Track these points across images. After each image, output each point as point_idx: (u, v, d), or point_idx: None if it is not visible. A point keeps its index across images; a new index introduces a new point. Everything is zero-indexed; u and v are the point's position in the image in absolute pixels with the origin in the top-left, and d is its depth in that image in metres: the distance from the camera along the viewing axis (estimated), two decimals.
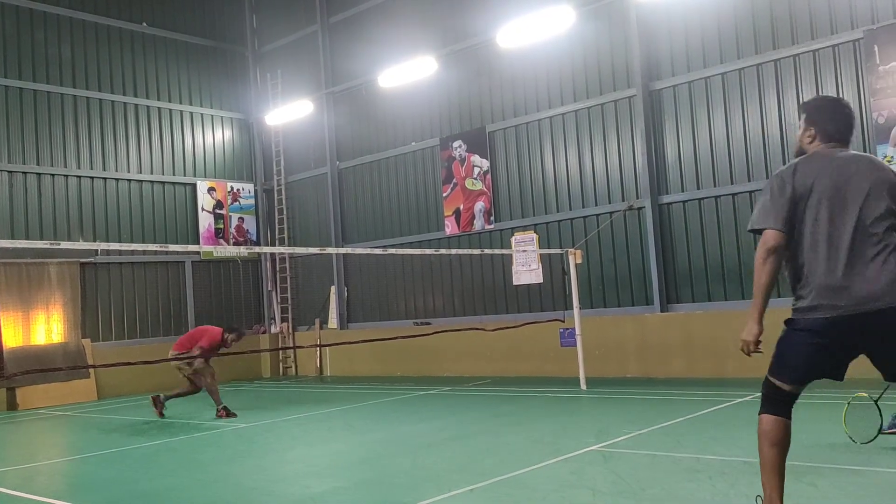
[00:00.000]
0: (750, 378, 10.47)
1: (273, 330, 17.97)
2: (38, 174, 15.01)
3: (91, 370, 14.49)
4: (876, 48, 10.40)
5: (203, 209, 17.38)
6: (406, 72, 14.93)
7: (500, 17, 13.78)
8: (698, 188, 12.07)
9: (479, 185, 14.66)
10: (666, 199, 12.37)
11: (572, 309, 11.44)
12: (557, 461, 6.24)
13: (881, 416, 5.66)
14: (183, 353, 10.87)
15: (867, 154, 4.22)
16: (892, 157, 10.29)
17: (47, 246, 6.69)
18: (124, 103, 16.41)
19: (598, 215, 13.07)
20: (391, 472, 6.42)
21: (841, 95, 10.81)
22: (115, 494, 6.30)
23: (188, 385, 11.13)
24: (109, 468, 7.53)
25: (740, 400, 8.76)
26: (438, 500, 5.26)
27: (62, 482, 7.32)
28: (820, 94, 10.93)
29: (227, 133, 18.19)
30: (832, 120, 3.86)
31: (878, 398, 5.67)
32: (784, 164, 11.34)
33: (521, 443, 7.28)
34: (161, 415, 10.93)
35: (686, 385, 10.64)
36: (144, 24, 16.92)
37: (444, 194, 15.18)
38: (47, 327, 14.61)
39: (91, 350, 14.92)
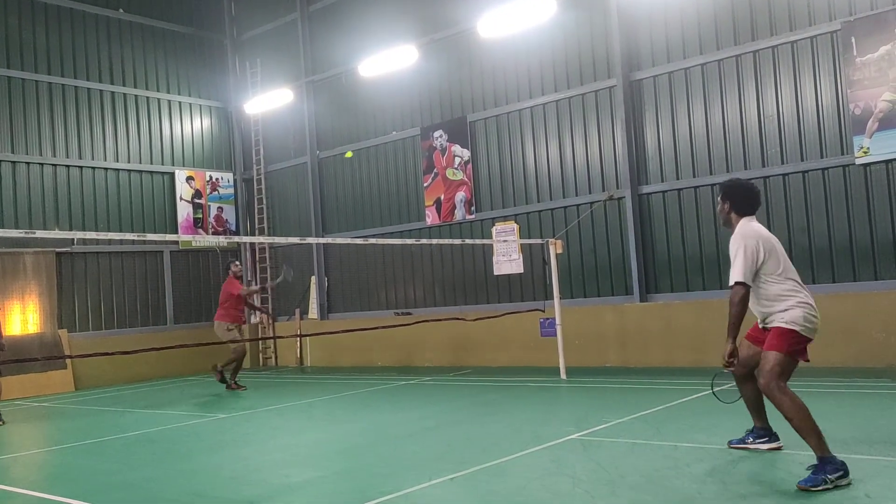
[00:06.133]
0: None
1: (253, 320, 17.87)
2: (13, 162, 14.79)
3: (68, 361, 14.35)
4: (853, 40, 10.49)
5: (181, 198, 17.23)
6: (386, 61, 14.86)
7: (480, 7, 13.74)
8: (678, 178, 12.14)
9: (459, 175, 14.64)
10: (646, 189, 12.43)
11: (552, 299, 11.48)
12: (538, 450, 6.27)
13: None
14: (224, 323, 12.30)
15: None
16: (867, 148, 10.40)
17: (22, 235, 6.60)
18: (100, 91, 16.19)
19: (578, 205, 13.11)
20: (371, 461, 6.42)
21: (818, 86, 10.93)
22: (94, 485, 6.25)
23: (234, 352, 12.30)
24: (87, 459, 7.47)
25: (719, 388, 8.82)
26: (419, 489, 5.27)
27: (39, 473, 7.25)
28: (798, 85, 11.06)
29: (206, 122, 18.02)
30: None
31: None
32: (761, 155, 11.50)
33: (502, 432, 7.30)
34: (242, 387, 12.28)
35: (665, 374, 10.72)
36: (121, 10, 16.69)
37: (425, 184, 15.15)
38: (23, 317, 14.44)
39: (68, 340, 14.77)
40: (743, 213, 5.34)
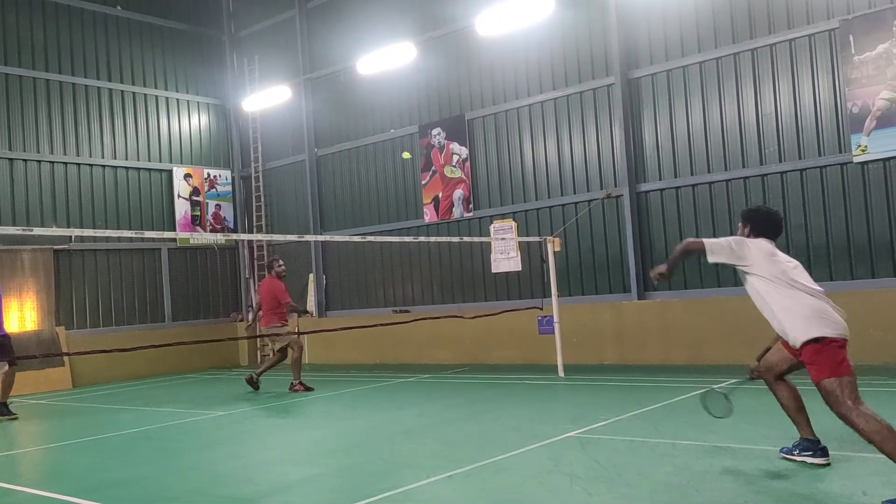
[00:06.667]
0: (725, 365, 10.60)
1: (251, 318, 17.85)
2: (10, 160, 14.77)
3: (65, 358, 14.34)
4: (851, 38, 10.50)
5: (179, 196, 17.21)
6: (385, 58, 14.84)
7: (479, 4, 13.73)
8: (676, 177, 12.14)
9: (457, 173, 14.64)
10: (644, 187, 12.44)
11: (550, 296, 11.48)
12: (535, 447, 6.28)
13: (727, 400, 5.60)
14: (275, 325, 11.65)
15: None
16: (865, 146, 10.41)
17: (20, 232, 6.59)
18: (98, 88, 16.17)
19: (576, 203, 13.11)
20: (369, 459, 6.42)
21: (816, 85, 10.94)
22: (90, 482, 6.24)
23: (277, 356, 11.95)
24: (84, 456, 7.47)
25: (716, 386, 8.84)
26: (417, 487, 5.27)
27: (36, 471, 7.25)
28: (796, 83, 11.07)
29: (204, 119, 18.00)
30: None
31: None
32: (759, 153, 11.51)
33: (500, 429, 7.31)
34: (257, 388, 11.75)
35: (662, 372, 10.74)
36: (118, 6, 16.65)
37: (423, 182, 15.14)
38: (20, 315, 14.42)
39: (65, 338, 14.75)
40: (759, 235, 5.17)
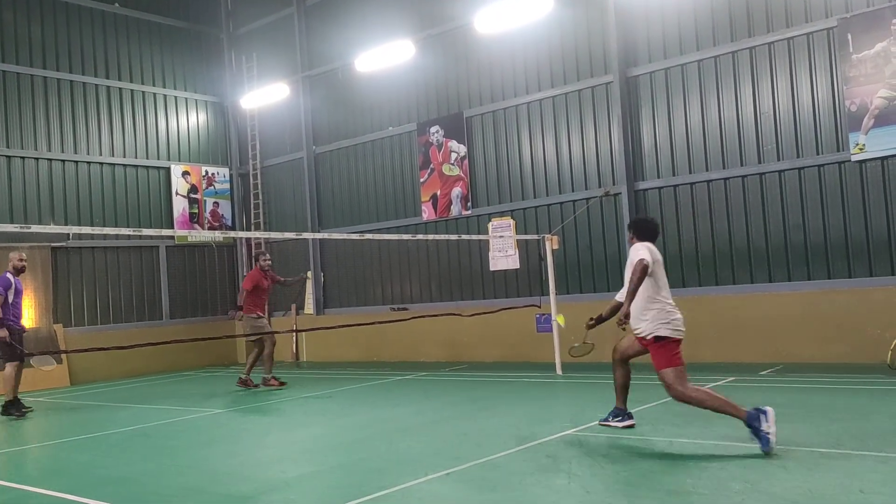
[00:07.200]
0: (723, 363, 10.62)
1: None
2: (8, 157, 14.74)
3: (63, 356, 14.32)
4: (849, 36, 10.50)
5: (177, 193, 17.19)
6: (383, 56, 14.84)
7: (477, 2, 13.72)
8: (674, 175, 12.15)
9: (456, 171, 14.63)
10: (642, 185, 12.44)
11: (548, 294, 11.48)
12: (534, 445, 6.29)
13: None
14: (252, 315, 11.60)
15: None
16: (863, 145, 10.42)
17: (17, 230, 6.59)
18: (96, 85, 16.14)
19: (574, 201, 13.11)
20: (367, 456, 6.43)
21: (814, 83, 10.95)
22: (88, 480, 6.25)
23: (256, 349, 11.82)
24: (82, 454, 7.47)
25: (714, 384, 8.85)
26: (415, 485, 5.27)
27: (34, 468, 7.24)
28: (794, 81, 11.08)
29: (202, 116, 17.98)
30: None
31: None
32: (757, 151, 11.51)
33: (497, 427, 7.31)
34: (256, 385, 11.65)
35: None
36: (117, 4, 16.63)
37: (422, 180, 15.14)
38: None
39: (63, 335, 14.75)
40: (642, 240, 6.41)
